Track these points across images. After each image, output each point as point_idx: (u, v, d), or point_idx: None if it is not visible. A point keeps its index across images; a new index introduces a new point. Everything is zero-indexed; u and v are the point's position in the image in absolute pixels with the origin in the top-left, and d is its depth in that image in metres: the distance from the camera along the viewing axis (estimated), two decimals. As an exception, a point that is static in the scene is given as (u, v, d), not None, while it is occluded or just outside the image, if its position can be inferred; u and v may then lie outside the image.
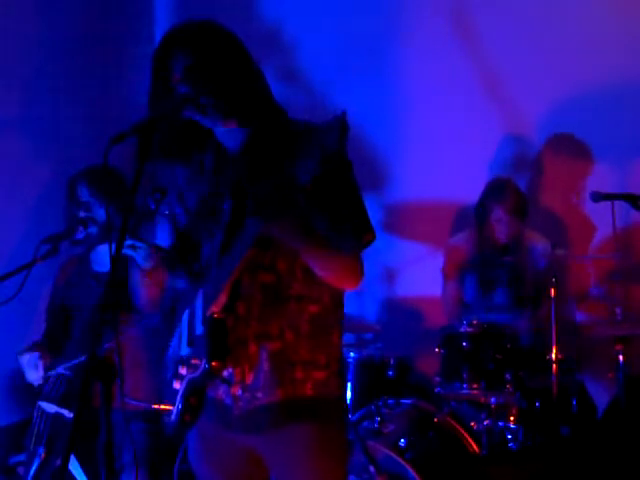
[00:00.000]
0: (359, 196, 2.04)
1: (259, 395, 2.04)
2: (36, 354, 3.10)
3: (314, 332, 2.06)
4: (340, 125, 1.73)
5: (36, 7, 4.20)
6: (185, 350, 2.07)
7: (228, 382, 2.05)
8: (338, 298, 2.13)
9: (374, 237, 2.04)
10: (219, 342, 1.98)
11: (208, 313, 1.99)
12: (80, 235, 3.17)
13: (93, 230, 3.19)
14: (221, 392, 2.09)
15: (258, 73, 2.08)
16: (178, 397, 2.03)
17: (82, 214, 3.20)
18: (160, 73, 2.03)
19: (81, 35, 4.39)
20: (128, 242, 2.28)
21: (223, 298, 1.98)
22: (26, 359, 3.12)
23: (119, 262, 1.88)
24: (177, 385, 2.05)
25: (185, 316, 2.13)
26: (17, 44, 4.04)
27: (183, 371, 2.04)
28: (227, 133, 2.08)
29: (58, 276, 3.39)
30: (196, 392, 2.02)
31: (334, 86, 4.55)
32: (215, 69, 1.99)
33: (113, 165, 3.06)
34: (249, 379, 2.04)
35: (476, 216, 4.08)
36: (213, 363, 1.95)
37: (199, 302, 2.07)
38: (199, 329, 2.04)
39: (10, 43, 3.99)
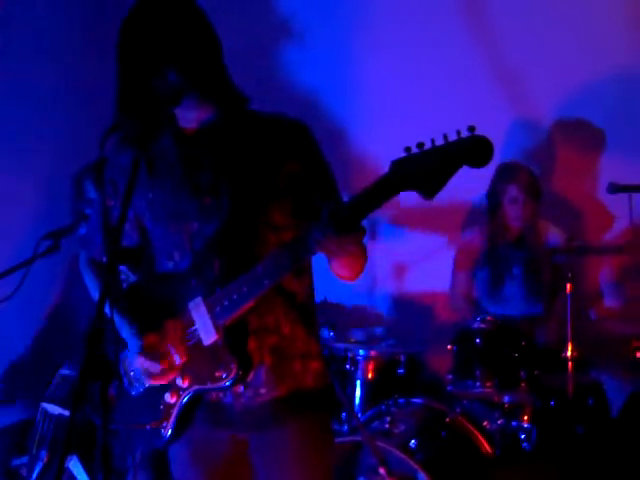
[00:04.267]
0: None
1: (262, 391, 2.01)
2: None
3: (305, 322, 2.06)
4: None
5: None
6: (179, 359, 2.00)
7: None
8: (313, 286, 2.14)
9: None
10: (243, 349, 1.97)
11: (223, 323, 1.95)
12: (82, 231, 3.14)
13: (97, 227, 3.14)
14: (217, 393, 2.04)
15: (222, 56, 2.04)
16: (175, 410, 2.01)
17: (88, 211, 3.16)
18: (130, 49, 1.96)
19: (83, 23, 4.33)
20: None
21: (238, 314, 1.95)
22: None
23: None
24: (173, 399, 2.02)
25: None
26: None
27: (184, 384, 2.00)
28: (186, 112, 2.03)
29: (65, 274, 3.35)
30: (194, 402, 2.02)
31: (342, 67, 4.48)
32: (186, 43, 1.93)
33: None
34: (250, 375, 1.99)
35: (489, 202, 3.98)
36: (241, 372, 1.94)
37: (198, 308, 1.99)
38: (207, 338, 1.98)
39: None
